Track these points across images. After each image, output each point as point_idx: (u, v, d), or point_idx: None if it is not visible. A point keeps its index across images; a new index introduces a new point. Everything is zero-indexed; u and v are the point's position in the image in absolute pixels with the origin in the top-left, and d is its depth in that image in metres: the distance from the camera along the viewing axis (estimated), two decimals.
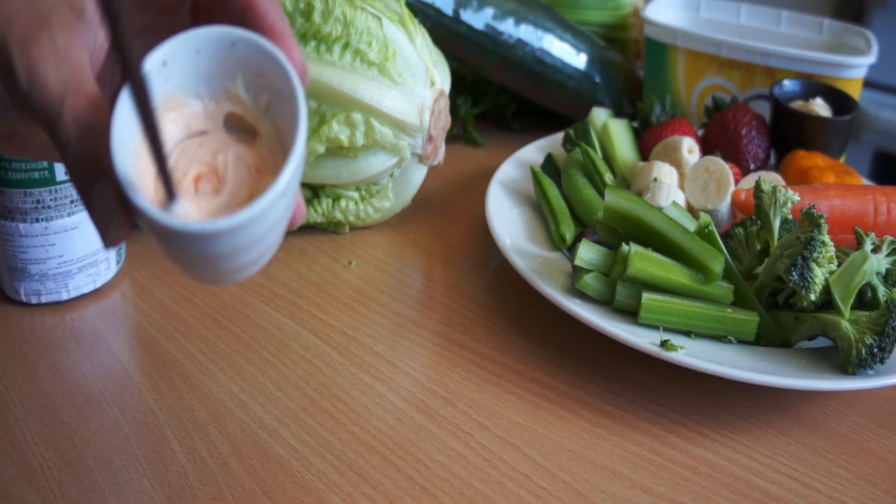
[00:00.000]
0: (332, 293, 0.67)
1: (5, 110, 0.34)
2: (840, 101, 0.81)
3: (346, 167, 0.71)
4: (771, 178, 0.71)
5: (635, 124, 0.84)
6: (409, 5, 0.84)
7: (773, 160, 0.82)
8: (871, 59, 0.83)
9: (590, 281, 0.59)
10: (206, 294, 0.65)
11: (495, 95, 1.00)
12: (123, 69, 0.30)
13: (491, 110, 1.00)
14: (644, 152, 0.79)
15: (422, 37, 0.73)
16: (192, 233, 0.31)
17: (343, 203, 0.73)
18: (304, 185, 0.74)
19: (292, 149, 0.33)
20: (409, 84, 0.70)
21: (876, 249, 0.56)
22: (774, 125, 0.81)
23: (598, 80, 0.93)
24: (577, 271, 0.60)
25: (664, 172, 0.71)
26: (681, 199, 0.69)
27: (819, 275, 0.55)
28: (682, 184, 0.72)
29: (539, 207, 0.74)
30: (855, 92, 0.84)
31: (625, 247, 0.58)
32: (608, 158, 0.79)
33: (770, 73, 0.86)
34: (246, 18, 0.36)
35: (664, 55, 0.92)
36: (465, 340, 0.62)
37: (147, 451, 0.50)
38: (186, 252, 0.33)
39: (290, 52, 0.35)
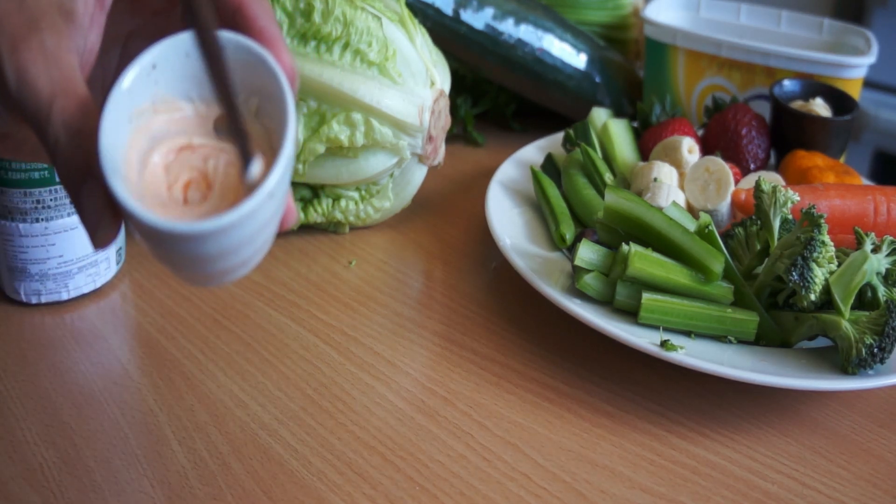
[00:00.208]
0: (332, 293, 0.67)
1: None
2: (840, 101, 0.81)
3: (346, 167, 0.71)
4: (771, 178, 0.71)
5: (635, 124, 0.84)
6: (409, 5, 0.84)
7: (773, 160, 0.82)
8: (871, 59, 0.83)
9: (590, 281, 0.59)
10: (206, 294, 0.65)
11: (495, 95, 1.00)
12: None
13: (491, 110, 1.00)
14: (644, 152, 0.79)
15: (422, 37, 0.73)
16: (179, 234, 0.31)
17: (343, 203, 0.73)
18: (305, 185, 0.74)
19: (280, 151, 0.33)
20: (409, 84, 0.70)
21: (876, 249, 0.56)
22: (774, 125, 0.81)
23: (598, 80, 0.93)
24: (577, 271, 0.60)
25: (664, 172, 0.71)
26: (681, 199, 0.69)
27: (819, 275, 0.55)
28: (682, 184, 0.72)
29: (539, 207, 0.74)
30: (855, 92, 0.84)
31: (625, 247, 0.58)
32: (608, 158, 0.79)
33: (770, 73, 0.86)
34: (237, 22, 0.36)
35: (664, 55, 0.92)
36: (465, 340, 0.62)
37: (147, 451, 0.50)
38: (174, 253, 0.33)
39: (279, 55, 0.35)
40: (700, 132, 0.84)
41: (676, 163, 0.74)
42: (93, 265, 0.63)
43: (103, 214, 0.33)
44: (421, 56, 0.71)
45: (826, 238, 0.56)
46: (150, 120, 0.35)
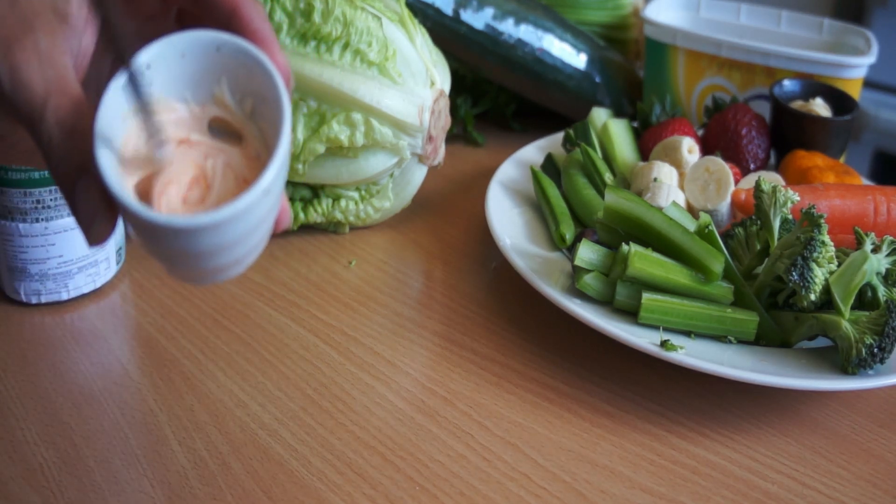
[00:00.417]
0: (332, 293, 0.67)
1: None
2: (840, 101, 0.81)
3: (346, 167, 0.71)
4: (771, 178, 0.71)
5: (635, 124, 0.84)
6: (409, 5, 0.84)
7: (773, 160, 0.82)
8: (871, 59, 0.83)
9: (590, 281, 0.59)
10: (206, 294, 0.65)
11: (495, 95, 1.00)
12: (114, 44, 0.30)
13: (491, 110, 1.00)
14: (644, 152, 0.79)
15: (422, 37, 0.73)
16: (174, 227, 0.31)
17: (343, 203, 0.73)
18: (305, 185, 0.74)
19: (276, 149, 0.33)
20: (409, 84, 0.70)
21: (876, 249, 0.56)
22: (774, 125, 0.81)
23: (598, 80, 0.93)
24: (577, 271, 0.60)
25: (664, 172, 0.71)
26: (681, 199, 0.69)
27: (819, 275, 0.55)
28: (682, 184, 0.72)
29: (539, 207, 0.74)
30: (855, 92, 0.84)
31: (625, 247, 0.58)
32: (608, 158, 0.79)
33: (770, 73, 0.86)
34: (231, 23, 0.36)
35: (664, 55, 0.92)
36: (465, 340, 0.62)
37: (147, 451, 0.50)
38: (169, 248, 0.33)
39: (274, 56, 0.36)
40: (700, 132, 0.84)
41: (676, 163, 0.74)
42: (93, 265, 0.63)
43: (98, 211, 0.33)
44: (421, 56, 0.71)
45: (826, 238, 0.56)
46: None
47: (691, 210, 0.70)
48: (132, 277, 0.67)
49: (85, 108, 0.33)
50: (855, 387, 0.53)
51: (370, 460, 0.50)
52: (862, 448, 0.54)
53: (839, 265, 0.56)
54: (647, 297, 0.57)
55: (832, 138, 0.79)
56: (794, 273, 0.55)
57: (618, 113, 0.90)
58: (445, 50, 0.85)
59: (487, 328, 0.63)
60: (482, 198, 0.73)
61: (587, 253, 0.59)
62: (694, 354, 0.55)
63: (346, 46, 0.68)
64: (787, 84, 0.82)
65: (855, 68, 0.83)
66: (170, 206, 0.34)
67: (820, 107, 0.80)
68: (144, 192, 0.34)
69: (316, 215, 0.73)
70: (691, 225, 0.60)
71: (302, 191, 0.74)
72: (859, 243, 0.57)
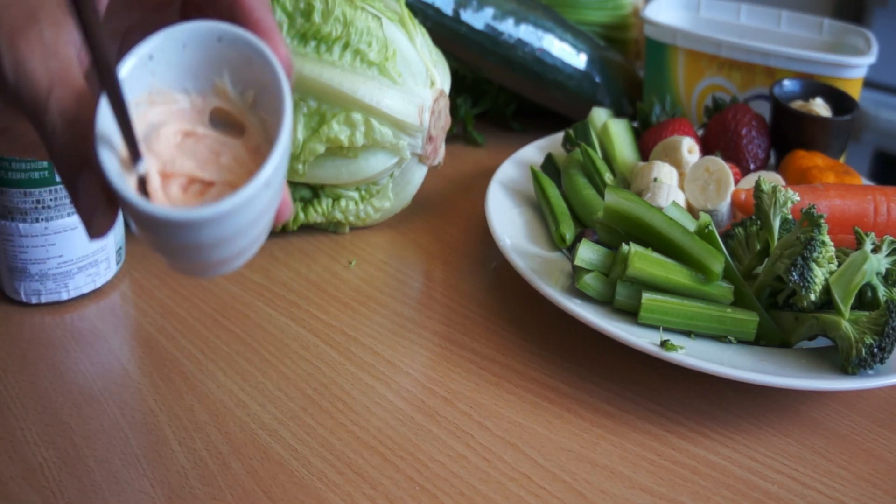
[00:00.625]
0: (332, 293, 0.67)
1: None
2: (840, 101, 0.81)
3: (346, 167, 0.71)
4: (771, 178, 0.71)
5: (635, 124, 0.84)
6: (409, 5, 0.84)
7: (773, 160, 0.82)
8: (871, 59, 0.83)
9: (590, 281, 0.59)
10: (206, 294, 0.65)
11: (495, 95, 1.00)
12: (92, 53, 0.30)
13: (491, 110, 1.00)
14: (644, 152, 0.79)
15: (422, 37, 0.73)
16: (174, 221, 0.31)
17: (343, 203, 0.73)
18: (305, 185, 0.74)
19: (277, 140, 0.33)
20: (409, 84, 0.70)
21: (876, 249, 0.56)
22: (774, 125, 0.81)
23: (598, 80, 0.93)
24: (577, 271, 0.60)
25: (664, 172, 0.71)
26: (681, 199, 0.69)
27: (819, 275, 0.55)
28: (682, 184, 0.72)
29: (539, 207, 0.74)
30: (855, 92, 0.84)
31: (625, 247, 0.58)
32: (608, 158, 0.79)
33: (770, 73, 0.86)
34: (233, 14, 0.36)
35: (664, 55, 0.92)
36: (465, 340, 0.62)
37: (147, 451, 0.50)
38: (170, 241, 0.33)
39: (276, 47, 0.36)
40: (700, 132, 0.84)
41: (676, 163, 0.74)
42: (93, 265, 0.63)
43: (99, 203, 0.33)
44: (421, 56, 0.71)
45: (826, 238, 0.56)
46: (146, 111, 0.35)
47: (691, 210, 0.70)
48: (132, 277, 0.67)
49: (88, 99, 0.33)
50: (855, 387, 0.53)
51: (370, 460, 0.50)
52: (862, 448, 0.54)
53: (839, 265, 0.56)
54: (647, 297, 0.57)
55: (832, 138, 0.79)
56: (794, 273, 0.55)
57: (618, 113, 0.90)
58: (445, 50, 0.85)
59: (487, 328, 0.63)
60: (482, 198, 0.73)
61: (587, 253, 0.59)
62: (694, 354, 0.55)
63: (346, 46, 0.68)
64: (787, 84, 0.82)
65: (855, 68, 0.83)
66: (170, 199, 0.34)
67: (820, 107, 0.80)
68: (146, 185, 0.34)
69: (316, 215, 0.73)
70: (691, 225, 0.60)
71: (302, 191, 0.74)
72: (859, 243, 0.57)
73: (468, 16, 0.88)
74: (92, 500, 0.47)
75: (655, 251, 0.58)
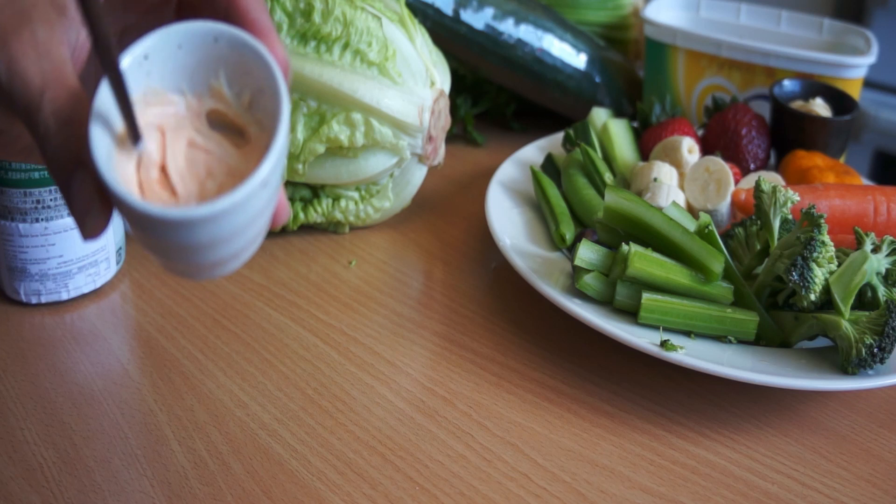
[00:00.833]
0: (332, 293, 0.67)
1: None
2: (840, 101, 0.81)
3: (346, 167, 0.71)
4: (771, 178, 0.71)
5: (635, 124, 0.84)
6: (409, 5, 0.84)
7: (773, 160, 0.82)
8: (871, 59, 0.83)
9: (590, 281, 0.59)
10: (206, 294, 0.65)
11: (495, 95, 1.00)
12: (93, 38, 0.30)
13: (491, 110, 1.00)
14: (644, 152, 0.79)
15: (422, 37, 0.73)
16: (169, 219, 0.31)
17: (343, 203, 0.73)
18: (305, 185, 0.74)
19: (274, 140, 0.33)
20: (409, 84, 0.70)
21: (876, 249, 0.56)
22: (774, 125, 0.81)
23: (598, 80, 0.93)
24: (577, 271, 0.60)
25: (664, 172, 0.71)
26: (681, 199, 0.69)
27: (819, 275, 0.55)
28: (682, 184, 0.72)
29: (539, 207, 0.74)
30: (855, 92, 0.84)
31: (625, 247, 0.58)
32: (608, 158, 0.79)
33: (770, 73, 0.86)
34: (229, 14, 0.36)
35: (664, 55, 0.92)
36: (465, 340, 0.62)
37: (147, 451, 0.50)
38: (164, 241, 0.33)
39: (273, 47, 0.35)
40: (700, 132, 0.84)
41: (676, 163, 0.74)
42: (93, 265, 0.63)
43: (93, 203, 0.33)
44: (421, 56, 0.71)
45: (826, 238, 0.56)
46: (141, 111, 0.34)
47: (691, 210, 0.70)
48: (132, 277, 0.67)
49: (82, 99, 0.33)
50: (855, 387, 0.53)
51: (370, 460, 0.50)
52: (862, 448, 0.54)
53: (839, 265, 0.56)
54: (647, 297, 0.57)
55: (832, 138, 0.79)
56: (794, 273, 0.55)
57: (618, 113, 0.90)
58: (445, 50, 0.85)
59: (487, 328, 0.63)
60: (482, 198, 0.73)
61: (587, 253, 0.59)
62: (694, 354, 0.55)
63: (346, 46, 0.68)
64: (787, 84, 0.82)
65: (855, 68, 0.83)
66: (165, 199, 0.33)
67: (820, 107, 0.80)
68: (141, 186, 0.34)
69: (316, 215, 0.73)
70: (691, 225, 0.60)
71: (302, 191, 0.74)
72: (859, 243, 0.57)
73: (468, 16, 0.88)
74: (92, 500, 0.47)
75: (655, 251, 0.58)
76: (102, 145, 0.32)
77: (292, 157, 0.69)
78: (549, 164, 0.80)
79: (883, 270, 0.56)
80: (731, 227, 0.64)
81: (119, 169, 0.33)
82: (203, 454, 0.50)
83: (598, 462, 0.51)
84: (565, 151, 0.82)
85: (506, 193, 0.75)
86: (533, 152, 0.83)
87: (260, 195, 0.33)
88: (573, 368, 0.59)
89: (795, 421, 0.56)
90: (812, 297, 0.55)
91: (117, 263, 0.66)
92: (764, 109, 0.83)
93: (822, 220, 0.56)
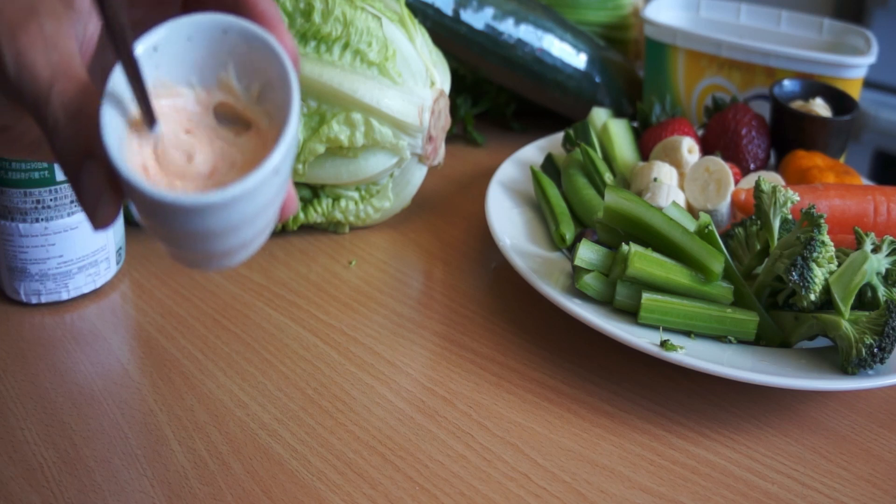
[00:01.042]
0: (332, 293, 0.67)
1: None
2: (840, 101, 0.81)
3: (346, 167, 0.71)
4: (771, 178, 0.71)
5: (635, 124, 0.84)
6: (409, 5, 0.84)
7: (773, 160, 0.82)
8: (871, 59, 0.83)
9: (590, 281, 0.59)
10: (206, 294, 0.65)
11: (495, 95, 1.00)
12: (107, 27, 0.30)
13: (491, 110, 1.00)
14: (644, 152, 0.79)
15: (422, 37, 0.73)
16: (183, 206, 0.31)
17: (343, 203, 0.73)
18: (305, 185, 0.74)
19: (285, 128, 0.33)
20: (409, 84, 0.70)
21: (876, 249, 0.56)
22: (774, 125, 0.81)
23: (598, 80, 0.93)
24: (577, 271, 0.60)
25: (664, 172, 0.71)
26: (681, 199, 0.69)
27: (819, 275, 0.55)
28: (682, 184, 0.72)
29: (539, 207, 0.74)
30: (855, 92, 0.84)
31: (625, 247, 0.58)
32: (608, 158, 0.79)
33: (770, 73, 0.86)
34: (238, 6, 0.36)
35: (664, 55, 0.92)
36: (465, 340, 0.62)
37: (147, 451, 0.50)
38: (175, 228, 0.33)
39: (282, 38, 0.36)
40: (700, 132, 0.84)
41: (676, 163, 0.74)
42: (93, 265, 0.63)
43: (103, 193, 0.33)
44: (421, 56, 0.71)
45: (826, 238, 0.56)
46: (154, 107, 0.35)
47: (691, 210, 0.70)
48: (132, 277, 0.67)
49: (91, 90, 0.33)
50: (855, 387, 0.53)
51: (370, 460, 0.50)
52: (862, 448, 0.54)
53: (839, 265, 0.56)
54: (646, 297, 0.57)
55: (832, 138, 0.79)
56: (794, 273, 0.55)
57: (618, 113, 0.90)
58: (445, 50, 0.85)
59: (487, 328, 0.63)
60: (482, 198, 0.73)
61: (587, 253, 0.59)
62: (694, 354, 0.55)
63: (345, 46, 0.68)
64: (787, 84, 0.82)
65: (855, 68, 0.83)
66: (175, 187, 0.34)
67: (820, 107, 0.80)
68: (150, 174, 0.34)
69: (316, 215, 0.73)
70: (691, 225, 0.60)
71: (302, 191, 0.74)
72: (859, 243, 0.57)
73: (468, 16, 0.88)
74: (92, 500, 0.47)
75: (655, 251, 0.58)
76: (113, 134, 0.32)
77: None
78: (549, 164, 0.80)
79: (883, 270, 0.56)
80: (731, 227, 0.64)
81: (129, 157, 0.33)
82: (203, 454, 0.50)
83: (598, 462, 0.51)
84: (565, 151, 0.82)
85: (506, 193, 0.75)
86: (533, 152, 0.83)
87: (271, 183, 0.33)
88: (573, 368, 0.59)
89: (795, 421, 0.56)
90: (812, 297, 0.55)
91: (117, 263, 0.66)
92: (764, 109, 0.83)
93: (822, 220, 0.56)
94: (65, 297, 0.62)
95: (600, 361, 0.60)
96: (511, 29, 0.89)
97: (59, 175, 0.59)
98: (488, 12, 0.89)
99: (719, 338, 0.58)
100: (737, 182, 0.72)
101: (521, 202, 0.74)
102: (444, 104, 0.74)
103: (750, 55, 0.86)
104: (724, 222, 0.70)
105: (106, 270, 0.64)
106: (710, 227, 0.59)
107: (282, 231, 0.75)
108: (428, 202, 0.81)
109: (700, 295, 0.58)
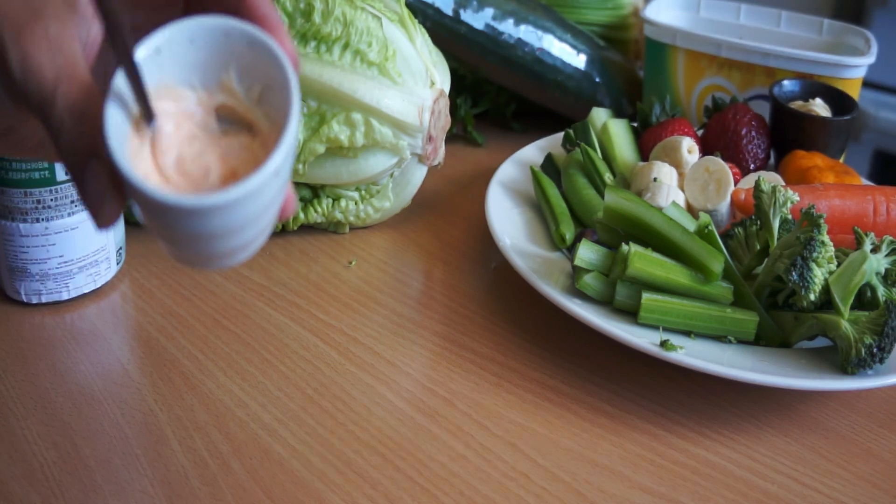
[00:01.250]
0: (332, 293, 0.67)
1: None
2: (840, 101, 0.81)
3: (346, 167, 0.71)
4: (771, 178, 0.71)
5: (635, 124, 0.84)
6: (409, 5, 0.84)
7: (772, 160, 0.82)
8: (870, 59, 0.83)
9: (590, 281, 0.59)
10: (206, 294, 0.65)
11: (495, 95, 1.00)
12: (107, 27, 0.30)
13: (491, 110, 1.00)
14: (644, 152, 0.79)
15: (422, 37, 0.73)
16: (185, 207, 0.31)
17: (343, 203, 0.73)
18: (305, 185, 0.74)
19: (285, 130, 0.33)
20: (409, 84, 0.70)
21: (875, 249, 0.56)
22: (774, 125, 0.81)
23: (598, 80, 0.93)
24: (577, 271, 0.60)
25: (664, 172, 0.71)
26: (681, 199, 0.69)
27: (819, 275, 0.55)
28: (682, 184, 0.72)
29: (539, 207, 0.74)
30: (855, 92, 0.84)
31: (625, 247, 0.58)
32: (608, 158, 0.79)
33: (770, 73, 0.86)
34: (239, 10, 0.36)
35: (664, 55, 0.92)
36: (465, 340, 0.62)
37: (147, 451, 0.50)
38: (178, 230, 0.33)
39: (282, 40, 0.36)
40: (700, 132, 0.84)
41: (676, 163, 0.74)
42: (93, 265, 0.63)
43: (107, 193, 0.34)
44: (421, 56, 0.71)
45: (826, 238, 0.56)
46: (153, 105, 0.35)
47: (691, 210, 0.70)
48: (132, 277, 0.67)
49: (95, 93, 0.34)
50: (855, 387, 0.53)
51: (370, 460, 0.50)
52: (862, 448, 0.54)
53: (839, 265, 0.56)
54: (646, 297, 0.57)
55: (832, 138, 0.79)
56: (793, 273, 0.55)
57: (618, 113, 0.90)
58: (445, 50, 0.85)
59: (487, 328, 0.63)
60: (482, 198, 0.73)
61: (587, 253, 0.59)
62: (694, 354, 0.55)
63: (346, 46, 0.68)
64: (787, 84, 0.82)
65: (855, 68, 0.83)
66: (178, 188, 0.34)
67: (820, 107, 0.80)
68: (153, 175, 0.34)
69: (316, 215, 0.73)
70: (691, 225, 0.60)
71: (302, 191, 0.74)
72: (859, 243, 0.57)
73: (468, 16, 0.88)
74: (92, 500, 0.47)
75: (655, 251, 0.58)
76: (117, 135, 0.32)
77: None
78: (549, 164, 0.80)
79: (882, 270, 0.56)
80: (731, 227, 0.64)
81: (132, 158, 0.33)
82: (203, 454, 0.50)
83: (598, 462, 0.51)
84: (565, 151, 0.82)
85: (506, 193, 0.75)
86: (533, 152, 0.83)
87: (272, 184, 0.33)
88: (573, 368, 0.59)
89: (795, 421, 0.56)
90: (812, 297, 0.55)
91: (117, 263, 0.66)
92: (764, 109, 0.83)
93: (822, 220, 0.56)
94: (65, 297, 0.63)
95: (600, 361, 0.60)
96: (511, 29, 0.89)
97: (60, 175, 0.59)
98: (488, 12, 0.89)
99: (719, 338, 0.58)
100: (736, 182, 0.72)
101: (521, 202, 0.74)
102: (444, 104, 0.74)
103: (750, 55, 0.86)
104: (723, 222, 0.70)
105: (106, 270, 0.64)
106: (709, 227, 0.59)
107: (282, 231, 0.75)
108: (428, 202, 0.81)
109: (700, 295, 0.58)
